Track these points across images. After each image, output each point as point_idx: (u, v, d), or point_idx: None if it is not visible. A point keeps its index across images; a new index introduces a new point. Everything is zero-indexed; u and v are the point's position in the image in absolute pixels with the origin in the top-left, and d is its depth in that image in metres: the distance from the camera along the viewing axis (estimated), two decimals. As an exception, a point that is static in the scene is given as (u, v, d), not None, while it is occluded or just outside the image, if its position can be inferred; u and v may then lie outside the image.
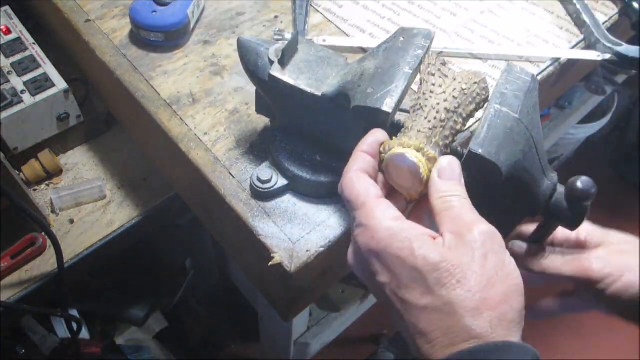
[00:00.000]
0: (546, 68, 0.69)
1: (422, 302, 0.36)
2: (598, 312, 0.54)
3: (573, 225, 0.46)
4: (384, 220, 0.38)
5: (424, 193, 0.43)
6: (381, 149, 0.44)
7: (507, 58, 0.68)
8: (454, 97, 0.44)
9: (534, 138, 0.44)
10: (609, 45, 0.69)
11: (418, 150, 0.42)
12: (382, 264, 0.38)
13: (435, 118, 0.43)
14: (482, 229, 0.37)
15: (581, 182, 0.44)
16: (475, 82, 0.45)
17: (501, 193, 0.45)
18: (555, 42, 0.71)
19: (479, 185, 0.43)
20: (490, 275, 0.35)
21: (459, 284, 0.35)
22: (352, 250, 0.42)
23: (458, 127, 0.44)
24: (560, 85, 0.80)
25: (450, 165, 0.41)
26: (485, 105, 0.46)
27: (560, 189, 0.47)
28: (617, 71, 1.56)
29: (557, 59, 0.69)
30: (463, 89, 0.44)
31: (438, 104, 0.44)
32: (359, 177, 0.42)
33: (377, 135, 0.44)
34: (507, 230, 0.50)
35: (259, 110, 0.57)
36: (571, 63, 0.71)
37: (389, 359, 1.46)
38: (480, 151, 0.41)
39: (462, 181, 0.41)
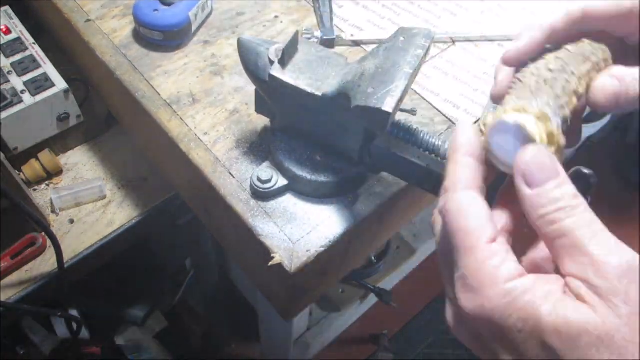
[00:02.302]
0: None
1: None
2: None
3: None
4: (500, 280, 0.28)
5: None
6: (481, 127, 0.34)
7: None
8: (557, 57, 0.36)
9: None
10: None
11: (539, 118, 0.31)
12: (501, 339, 0.28)
13: (536, 82, 0.34)
14: (618, 269, 0.26)
15: (586, 169, 0.40)
16: (585, 42, 0.37)
17: None
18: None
19: None
20: None
21: None
22: (454, 314, 0.31)
23: (574, 87, 0.35)
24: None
25: (537, 159, 0.29)
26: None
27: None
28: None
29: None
30: (568, 49, 0.37)
31: (538, 68, 0.36)
32: (472, 202, 0.30)
33: (470, 131, 0.33)
34: None
35: (259, 110, 0.57)
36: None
37: (388, 359, 1.46)
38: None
39: (565, 176, 0.29)
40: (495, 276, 0.28)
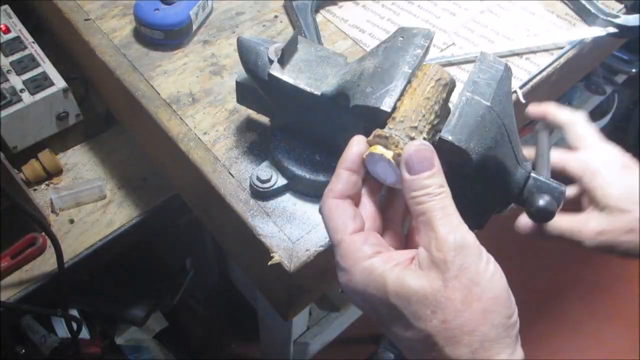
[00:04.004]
0: (546, 67, 0.68)
1: (406, 335, 0.35)
2: (596, 306, 0.54)
3: (538, 220, 0.46)
4: (360, 260, 0.37)
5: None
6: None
7: (511, 52, 0.69)
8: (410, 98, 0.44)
9: (506, 126, 0.44)
10: (607, 19, 0.71)
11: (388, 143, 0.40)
12: (366, 304, 0.37)
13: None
14: (451, 244, 0.34)
15: (543, 200, 0.44)
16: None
17: (474, 180, 0.45)
18: (556, 41, 0.71)
19: (451, 174, 0.42)
20: (465, 296, 0.34)
21: (434, 315, 0.34)
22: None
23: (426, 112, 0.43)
24: (560, 85, 0.80)
25: (418, 153, 0.37)
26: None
27: (535, 179, 0.46)
28: (617, 71, 1.56)
29: (559, 57, 0.69)
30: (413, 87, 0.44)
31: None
32: (337, 208, 0.39)
33: (358, 148, 0.41)
34: (482, 219, 0.49)
35: (240, 101, 0.57)
36: (571, 61, 0.71)
37: (388, 359, 1.46)
38: (450, 138, 0.41)
39: (438, 169, 0.37)
40: (357, 258, 0.37)
